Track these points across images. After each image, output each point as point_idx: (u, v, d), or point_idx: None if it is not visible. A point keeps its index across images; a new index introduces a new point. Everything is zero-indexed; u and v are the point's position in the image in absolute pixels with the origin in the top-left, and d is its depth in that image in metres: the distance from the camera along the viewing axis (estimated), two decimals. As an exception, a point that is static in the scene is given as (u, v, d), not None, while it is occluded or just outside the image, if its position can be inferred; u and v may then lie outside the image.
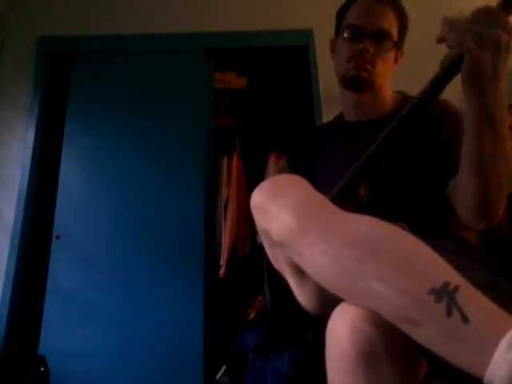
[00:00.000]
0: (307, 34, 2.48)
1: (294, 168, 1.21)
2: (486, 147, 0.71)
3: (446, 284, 0.47)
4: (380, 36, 0.99)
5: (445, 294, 0.46)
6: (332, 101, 2.27)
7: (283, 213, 0.60)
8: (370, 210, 0.84)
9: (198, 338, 2.03)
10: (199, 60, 2.52)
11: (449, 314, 0.45)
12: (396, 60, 1.06)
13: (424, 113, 0.81)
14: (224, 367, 1.09)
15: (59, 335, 2.05)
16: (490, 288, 0.66)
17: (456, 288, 0.47)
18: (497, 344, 0.43)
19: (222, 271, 2.60)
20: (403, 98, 1.05)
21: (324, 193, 0.92)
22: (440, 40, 0.69)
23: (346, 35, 1.01)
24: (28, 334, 2.12)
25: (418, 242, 0.55)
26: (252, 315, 1.07)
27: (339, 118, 1.15)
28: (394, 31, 1.01)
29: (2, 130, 2.39)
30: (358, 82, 1.01)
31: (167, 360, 2.01)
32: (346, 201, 0.88)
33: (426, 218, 0.89)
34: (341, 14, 1.07)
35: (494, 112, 0.69)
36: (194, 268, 2.14)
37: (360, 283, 0.52)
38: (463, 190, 0.78)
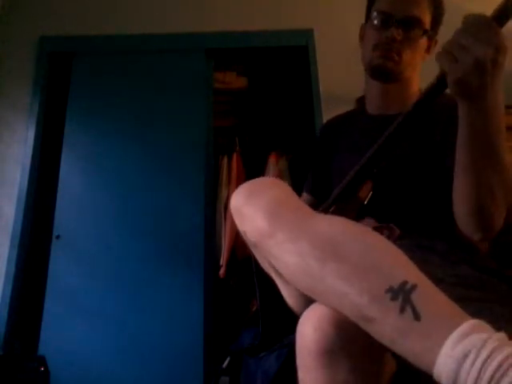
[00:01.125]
0: (307, 33, 2.48)
1: (311, 165, 1.18)
2: (476, 160, 0.69)
3: (404, 283, 0.48)
4: (409, 23, 0.93)
5: (401, 293, 0.47)
6: (332, 101, 2.28)
7: (256, 214, 0.61)
8: (370, 210, 0.85)
9: (198, 338, 2.03)
10: (199, 60, 2.52)
11: (401, 311, 0.46)
12: (428, 49, 1.00)
13: (421, 119, 0.80)
14: (229, 358, 1.09)
15: (59, 335, 2.05)
16: (472, 287, 0.66)
17: (413, 287, 0.47)
18: (444, 341, 0.43)
19: (221, 271, 2.60)
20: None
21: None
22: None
23: (373, 22, 0.96)
24: (28, 333, 2.12)
25: (381, 242, 0.56)
26: (254, 308, 1.07)
27: (360, 110, 1.10)
28: (426, 18, 0.95)
29: (2, 130, 2.39)
30: (383, 71, 0.96)
31: (167, 360, 2.01)
32: (348, 202, 0.88)
33: (424, 218, 0.88)
34: None
35: (486, 125, 0.66)
36: (194, 268, 2.14)
37: (322, 282, 0.53)
38: (458, 195, 0.76)
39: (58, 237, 2.20)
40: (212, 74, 2.57)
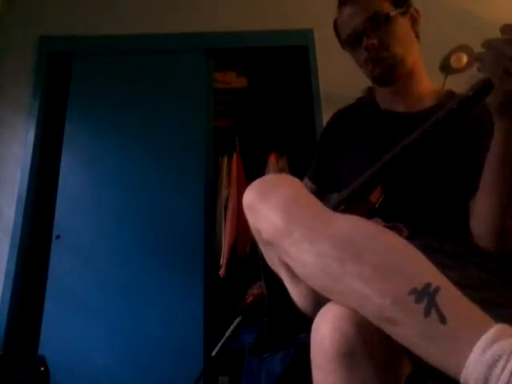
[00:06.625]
0: (307, 33, 2.48)
1: (318, 152, 1.16)
2: (505, 181, 0.69)
3: (428, 285, 0.47)
4: (371, 25, 0.95)
5: (425, 295, 0.46)
6: (332, 101, 2.27)
7: (271, 212, 0.60)
8: (379, 210, 0.84)
9: (198, 338, 2.03)
10: (199, 60, 2.52)
11: (427, 314, 0.45)
12: (413, 23, 1.00)
13: (447, 129, 0.78)
14: (220, 342, 1.08)
15: (59, 335, 2.05)
16: (480, 288, 0.66)
17: (437, 289, 0.47)
18: (472, 345, 0.43)
19: (222, 271, 2.60)
20: (448, 94, 0.99)
21: (347, 186, 0.91)
22: (477, 59, 0.65)
23: (348, 48, 1.01)
24: (28, 333, 2.12)
25: (401, 243, 0.55)
26: (250, 299, 1.06)
27: (372, 103, 1.09)
28: (384, 4, 0.95)
29: (2, 129, 2.39)
30: (387, 74, 0.97)
31: (167, 359, 2.01)
32: (358, 203, 0.87)
33: (433, 220, 0.87)
34: (336, 30, 1.06)
35: None
36: (194, 268, 2.14)
37: (341, 283, 0.52)
38: (480, 212, 0.76)
39: (58, 237, 2.21)
40: (212, 73, 2.57)
